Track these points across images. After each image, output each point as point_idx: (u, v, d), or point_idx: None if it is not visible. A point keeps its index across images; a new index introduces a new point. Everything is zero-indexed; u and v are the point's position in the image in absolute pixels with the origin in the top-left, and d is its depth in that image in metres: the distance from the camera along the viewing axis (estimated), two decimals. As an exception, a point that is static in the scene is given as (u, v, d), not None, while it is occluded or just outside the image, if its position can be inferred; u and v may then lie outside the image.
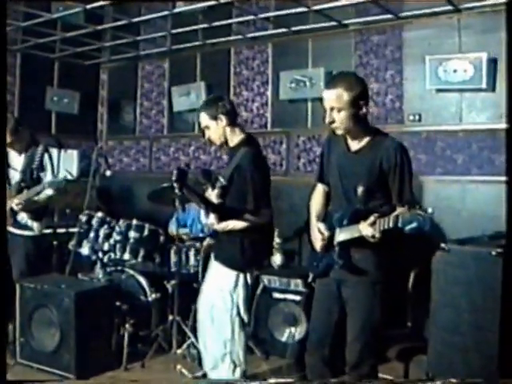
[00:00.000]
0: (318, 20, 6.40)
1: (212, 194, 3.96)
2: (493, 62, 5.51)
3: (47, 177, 5.07)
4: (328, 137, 3.54)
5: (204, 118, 4.02)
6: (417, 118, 6.06)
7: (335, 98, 3.15)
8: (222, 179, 3.90)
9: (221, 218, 3.92)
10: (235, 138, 4.01)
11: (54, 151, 5.63)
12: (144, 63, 8.29)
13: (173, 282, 5.04)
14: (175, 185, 3.82)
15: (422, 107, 6.05)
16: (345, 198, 3.34)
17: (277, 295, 5.35)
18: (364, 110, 3.21)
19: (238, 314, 3.98)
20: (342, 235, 3.26)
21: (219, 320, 3.97)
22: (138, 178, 8.16)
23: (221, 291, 3.95)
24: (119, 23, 6.75)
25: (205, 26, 6.81)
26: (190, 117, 7.74)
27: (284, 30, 6.74)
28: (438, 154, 5.94)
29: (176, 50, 7.72)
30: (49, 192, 4.94)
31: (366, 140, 3.27)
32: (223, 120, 3.94)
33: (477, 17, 5.70)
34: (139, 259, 5.35)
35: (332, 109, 3.18)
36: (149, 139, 8.28)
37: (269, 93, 7.08)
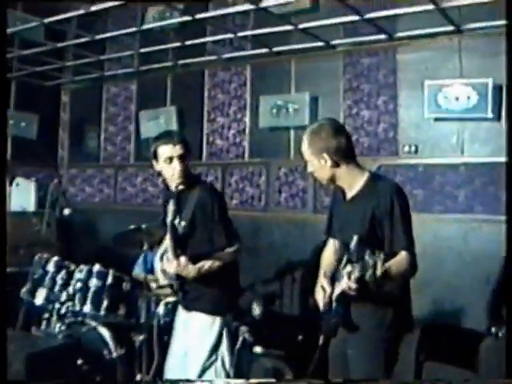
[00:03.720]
0: (303, 40, 5.83)
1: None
2: (498, 89, 4.97)
3: None
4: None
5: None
6: (413, 149, 5.49)
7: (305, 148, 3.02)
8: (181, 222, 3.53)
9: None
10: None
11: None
12: (109, 85, 7.65)
13: (141, 336, 4.40)
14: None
15: (419, 137, 5.49)
16: (344, 250, 2.97)
17: (258, 350, 4.70)
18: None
19: (223, 366, 3.64)
20: (336, 290, 2.92)
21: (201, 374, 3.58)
22: (101, 209, 7.47)
23: (200, 344, 3.56)
24: (82, 40, 6.16)
25: (176, 44, 6.24)
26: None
27: (264, 50, 6.15)
28: (437, 190, 5.36)
29: (144, 71, 7.13)
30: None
31: (359, 185, 3.00)
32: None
33: (480, 39, 5.18)
34: (102, 311, 4.63)
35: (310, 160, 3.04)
36: (114, 167, 7.55)
37: (247, 119, 6.46)
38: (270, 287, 5.85)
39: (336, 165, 2.94)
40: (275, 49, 6.09)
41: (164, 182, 3.67)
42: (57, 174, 7.86)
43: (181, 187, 3.52)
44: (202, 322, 3.55)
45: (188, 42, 6.13)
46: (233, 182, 6.47)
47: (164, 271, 3.71)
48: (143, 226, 4.89)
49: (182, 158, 3.46)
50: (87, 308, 4.62)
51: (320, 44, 5.83)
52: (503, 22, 4.87)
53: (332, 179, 3.01)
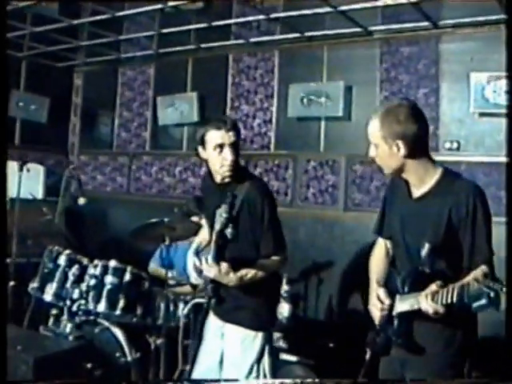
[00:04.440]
0: (336, 25, 5.44)
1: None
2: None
3: None
4: (392, 177, 2.83)
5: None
6: (455, 145, 5.11)
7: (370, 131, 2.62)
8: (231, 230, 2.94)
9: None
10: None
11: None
12: (125, 68, 7.22)
13: (159, 339, 4.21)
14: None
15: (462, 133, 5.11)
16: (407, 256, 2.68)
17: (286, 356, 4.45)
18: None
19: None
20: (401, 305, 2.60)
21: None
22: (113, 200, 7.07)
23: (241, 359, 3.17)
24: (98, 17, 5.78)
25: (199, 26, 5.88)
26: (178, 132, 6.70)
27: (294, 34, 5.75)
28: (481, 191, 4.97)
29: (164, 54, 6.71)
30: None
31: (432, 182, 2.60)
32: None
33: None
34: (118, 311, 4.27)
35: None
36: (128, 156, 7.15)
37: (273, 108, 6.07)
38: (294, 289, 5.49)
39: (409, 155, 2.52)
40: (307, 34, 5.70)
41: (208, 172, 3.23)
42: (67, 161, 7.49)
43: (227, 180, 3.12)
44: (242, 336, 3.18)
45: (212, 24, 5.75)
46: (257, 174, 6.09)
47: (198, 270, 3.31)
48: (165, 219, 4.63)
49: (234, 145, 3.03)
50: (101, 307, 4.28)
51: (356, 30, 5.44)
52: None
53: (400, 170, 2.59)
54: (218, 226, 2.85)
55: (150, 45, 6.57)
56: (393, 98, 5.39)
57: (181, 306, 4.47)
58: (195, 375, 3.41)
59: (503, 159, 4.85)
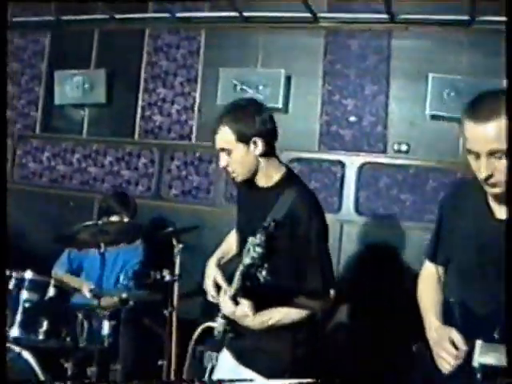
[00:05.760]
0: (277, 7, 4.92)
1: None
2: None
3: None
4: (454, 190, 2.52)
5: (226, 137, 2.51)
6: (404, 148, 4.79)
7: (494, 136, 1.89)
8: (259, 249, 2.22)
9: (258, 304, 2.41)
10: (273, 173, 2.57)
11: None
12: (14, 35, 6.04)
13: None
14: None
15: (412, 135, 4.80)
16: (486, 287, 2.16)
17: None
18: None
19: None
20: (488, 356, 2.01)
21: None
22: (-10, 188, 5.92)
23: None
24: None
25: None
26: (77, 113, 5.75)
27: (227, 13, 5.14)
28: (429, 196, 4.71)
29: (63, 22, 5.74)
30: None
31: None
32: (259, 146, 2.50)
33: (490, 35, 4.57)
34: (40, 336, 3.43)
35: (491, 153, 1.91)
36: (12, 138, 6.02)
37: (197, 94, 5.37)
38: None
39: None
40: (245, 14, 5.10)
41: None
42: None
43: (266, 184, 2.54)
44: None
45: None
46: (173, 167, 5.38)
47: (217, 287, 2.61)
48: (99, 222, 3.90)
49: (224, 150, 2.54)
50: (16, 331, 3.44)
51: (300, 15, 4.96)
52: None
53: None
54: (247, 260, 2.19)
55: (49, 9, 5.61)
56: (337, 92, 5.02)
57: (105, 324, 3.71)
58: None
59: (454, 166, 4.67)
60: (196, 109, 5.36)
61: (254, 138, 2.46)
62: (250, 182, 2.59)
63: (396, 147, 4.81)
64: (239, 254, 2.62)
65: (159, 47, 5.52)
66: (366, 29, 4.93)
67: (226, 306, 2.40)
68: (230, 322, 2.45)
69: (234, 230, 2.90)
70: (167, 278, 3.76)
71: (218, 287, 2.56)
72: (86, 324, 3.63)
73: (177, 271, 3.81)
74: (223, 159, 2.51)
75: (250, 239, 2.21)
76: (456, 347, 2.07)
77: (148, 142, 5.49)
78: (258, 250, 2.15)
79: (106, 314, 3.69)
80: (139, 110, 5.51)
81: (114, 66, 5.56)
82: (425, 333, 2.28)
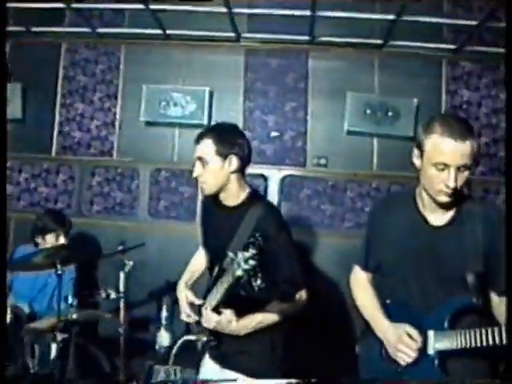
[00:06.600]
0: (201, 25, 5.06)
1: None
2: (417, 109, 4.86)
3: None
4: (384, 201, 2.92)
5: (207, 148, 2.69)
6: (323, 161, 5.08)
7: (469, 153, 2.21)
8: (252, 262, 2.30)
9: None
10: (240, 192, 2.76)
11: None
12: None
13: None
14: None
15: (330, 149, 5.10)
16: (423, 287, 2.43)
17: None
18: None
19: None
20: (443, 342, 2.32)
21: None
22: None
23: None
24: None
25: (25, 5, 4.88)
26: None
27: (149, 30, 5.20)
28: (347, 206, 5.04)
29: (-29, 34, 5.49)
30: None
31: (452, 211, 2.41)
32: (234, 163, 2.68)
33: (400, 58, 5.08)
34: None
35: (459, 168, 2.22)
36: None
37: (117, 110, 5.37)
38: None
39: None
40: (167, 31, 5.17)
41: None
42: None
43: (232, 203, 2.70)
44: None
45: (43, 6, 4.88)
46: (94, 183, 5.34)
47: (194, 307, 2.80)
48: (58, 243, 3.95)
49: (201, 160, 2.71)
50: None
51: (222, 34, 5.12)
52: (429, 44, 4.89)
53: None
54: (238, 272, 2.25)
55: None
56: (258, 108, 5.22)
57: (53, 347, 3.65)
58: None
59: (369, 178, 5.02)
60: (117, 124, 5.36)
61: (230, 156, 2.64)
62: (216, 201, 2.75)
63: (315, 161, 5.10)
64: (210, 271, 2.79)
65: (76, 61, 5.46)
66: (286, 49, 5.19)
67: (211, 317, 2.56)
68: (211, 332, 2.65)
69: (200, 250, 3.07)
70: (112, 295, 3.77)
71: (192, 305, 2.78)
72: (36, 348, 3.58)
73: (121, 288, 3.82)
74: (197, 169, 2.68)
75: (239, 254, 2.33)
76: (414, 340, 2.36)
77: (66, 158, 5.40)
78: (252, 262, 2.28)
79: (52, 337, 3.63)
80: (56, 126, 5.42)
81: (30, 80, 5.41)
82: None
